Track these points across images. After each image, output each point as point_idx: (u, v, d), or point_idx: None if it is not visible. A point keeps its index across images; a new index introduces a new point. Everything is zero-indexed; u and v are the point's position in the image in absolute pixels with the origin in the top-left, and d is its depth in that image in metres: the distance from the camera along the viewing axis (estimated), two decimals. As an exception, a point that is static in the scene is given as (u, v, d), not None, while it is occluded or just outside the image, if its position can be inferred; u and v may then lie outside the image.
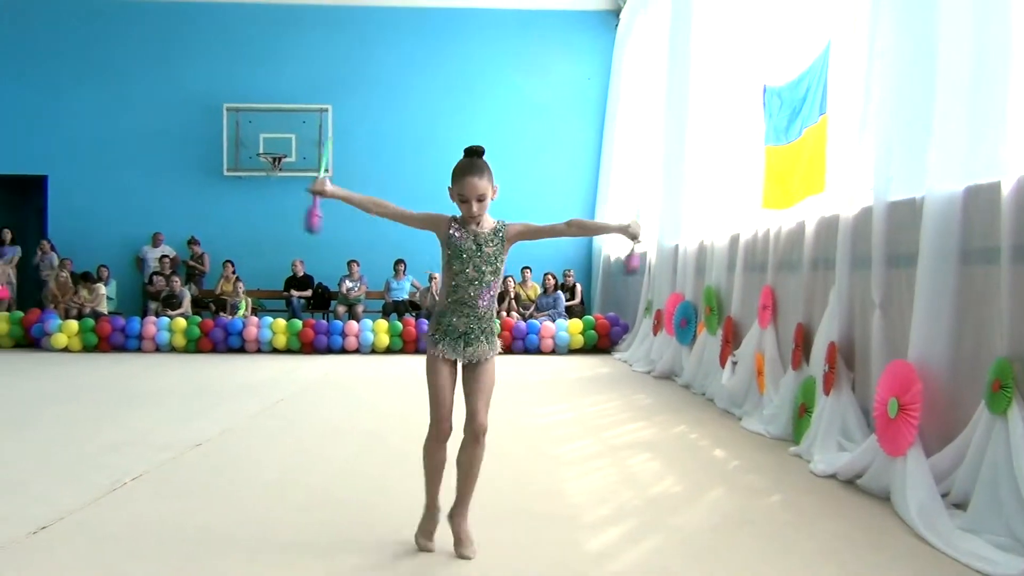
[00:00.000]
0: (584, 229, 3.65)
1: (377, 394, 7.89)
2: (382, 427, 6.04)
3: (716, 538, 3.49)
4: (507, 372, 9.77)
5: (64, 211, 15.28)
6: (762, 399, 6.18)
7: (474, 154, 3.22)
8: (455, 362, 3.26)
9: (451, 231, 3.23)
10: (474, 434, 3.23)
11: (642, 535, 3.53)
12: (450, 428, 3.26)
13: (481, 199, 3.18)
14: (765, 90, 6.92)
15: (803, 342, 5.59)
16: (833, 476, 4.45)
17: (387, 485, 4.35)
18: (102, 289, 13.46)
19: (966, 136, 3.92)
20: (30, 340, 12.18)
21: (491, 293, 3.26)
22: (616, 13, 15.43)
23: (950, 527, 3.41)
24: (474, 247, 3.22)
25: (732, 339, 7.06)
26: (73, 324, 11.97)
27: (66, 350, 11.80)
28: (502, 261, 3.28)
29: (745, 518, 3.78)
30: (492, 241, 3.25)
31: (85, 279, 13.43)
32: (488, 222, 3.28)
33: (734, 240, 7.38)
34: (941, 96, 4.01)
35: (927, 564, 3.18)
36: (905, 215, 4.40)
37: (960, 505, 3.62)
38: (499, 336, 3.43)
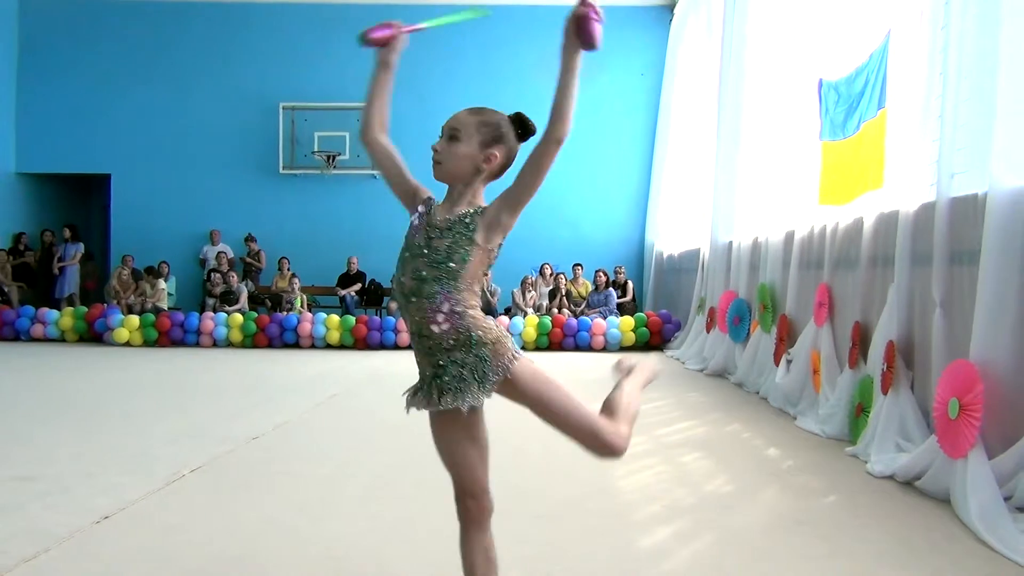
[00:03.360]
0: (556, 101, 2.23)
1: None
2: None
3: (770, 538, 3.45)
4: (558, 370, 9.77)
5: (126, 209, 15.67)
6: (818, 398, 6.09)
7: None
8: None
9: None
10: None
11: (694, 534, 3.51)
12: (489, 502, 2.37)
13: None
14: (821, 84, 6.81)
15: (860, 341, 5.49)
16: (891, 477, 4.36)
17: (444, 477, 4.37)
18: (162, 285, 13.79)
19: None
20: (93, 334, 12.51)
21: None
22: (670, 8, 15.29)
23: (1013, 531, 3.32)
24: None
25: (787, 337, 6.97)
26: (134, 319, 12.26)
27: (127, 344, 12.09)
28: None
29: (800, 518, 3.73)
30: None
31: (148, 274, 13.77)
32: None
33: (789, 237, 7.28)
34: (1005, 89, 3.91)
35: (988, 568, 3.11)
36: (968, 211, 4.30)
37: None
38: None
